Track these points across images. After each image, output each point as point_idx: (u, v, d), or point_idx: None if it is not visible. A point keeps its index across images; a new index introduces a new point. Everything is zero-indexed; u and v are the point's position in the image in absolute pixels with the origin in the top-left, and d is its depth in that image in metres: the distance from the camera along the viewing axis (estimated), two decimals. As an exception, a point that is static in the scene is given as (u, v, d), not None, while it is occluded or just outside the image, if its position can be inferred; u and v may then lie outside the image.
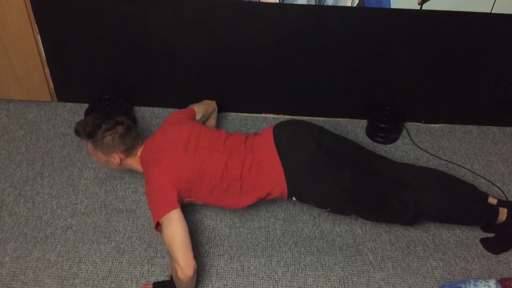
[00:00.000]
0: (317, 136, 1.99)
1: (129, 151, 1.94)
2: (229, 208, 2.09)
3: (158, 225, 1.81)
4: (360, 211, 1.99)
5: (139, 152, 1.97)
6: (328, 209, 1.98)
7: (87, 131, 1.89)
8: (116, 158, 1.93)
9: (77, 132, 1.93)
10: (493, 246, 2.05)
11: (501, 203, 2.06)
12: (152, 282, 1.89)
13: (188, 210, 2.18)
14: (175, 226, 1.74)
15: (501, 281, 1.54)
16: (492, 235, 2.08)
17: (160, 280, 1.90)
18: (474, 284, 1.57)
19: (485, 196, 2.06)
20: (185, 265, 1.68)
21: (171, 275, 1.84)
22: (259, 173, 1.90)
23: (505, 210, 1.99)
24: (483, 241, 2.07)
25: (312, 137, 1.96)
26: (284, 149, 1.91)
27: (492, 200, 2.06)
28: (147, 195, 1.87)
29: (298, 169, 1.89)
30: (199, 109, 2.26)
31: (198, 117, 2.22)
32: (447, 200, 1.95)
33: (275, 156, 1.89)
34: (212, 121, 2.43)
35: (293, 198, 1.96)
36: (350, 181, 1.89)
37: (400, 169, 2.05)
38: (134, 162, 1.99)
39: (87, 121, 1.93)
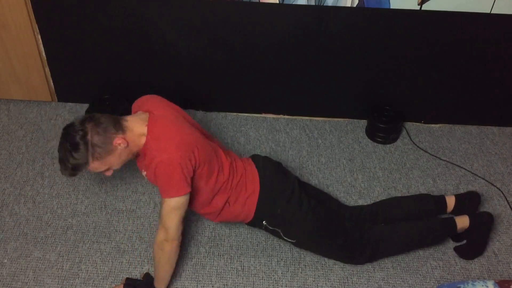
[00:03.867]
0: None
1: (118, 126, 1.68)
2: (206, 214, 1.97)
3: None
4: (322, 250, 2.00)
5: (132, 125, 1.72)
6: (294, 241, 1.96)
7: (70, 166, 1.66)
8: (120, 141, 1.66)
9: (70, 174, 1.70)
10: (467, 252, 2.03)
11: (459, 205, 2.08)
12: (124, 278, 1.89)
13: (188, 210, 2.18)
14: (181, 210, 1.72)
15: (500, 283, 1.54)
16: (463, 242, 2.06)
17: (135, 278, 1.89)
18: (472, 284, 1.56)
19: (441, 200, 2.09)
20: (175, 237, 1.71)
21: (144, 274, 1.88)
22: (243, 188, 1.89)
23: (466, 217, 2.00)
24: (457, 249, 2.05)
25: (293, 174, 2.04)
26: (265, 171, 1.93)
27: (450, 200, 2.09)
28: (160, 166, 1.64)
29: (276, 192, 1.90)
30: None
31: None
32: (404, 232, 1.99)
33: (255, 173, 1.92)
34: None
35: (264, 222, 1.92)
36: (322, 219, 1.92)
37: (362, 214, 2.08)
38: (134, 138, 1.71)
39: (61, 160, 1.68)
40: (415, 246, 2.05)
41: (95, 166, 1.69)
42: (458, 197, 2.12)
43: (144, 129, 1.73)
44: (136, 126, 1.73)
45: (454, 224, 1.98)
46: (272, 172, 1.96)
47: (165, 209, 1.70)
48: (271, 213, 1.90)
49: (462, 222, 1.99)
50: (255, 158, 2.03)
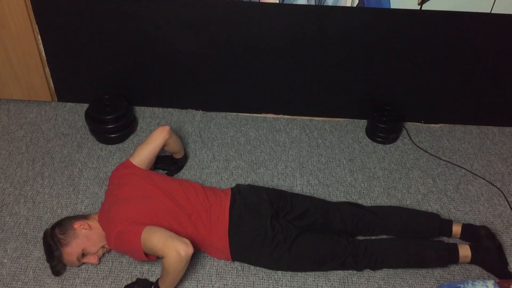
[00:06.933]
0: (274, 204, 1.97)
1: (78, 217, 1.92)
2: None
3: (146, 255, 1.78)
4: (313, 270, 1.98)
5: (87, 216, 1.94)
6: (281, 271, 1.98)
7: (54, 261, 1.86)
8: (79, 223, 1.86)
9: (61, 270, 1.90)
10: (500, 270, 1.95)
11: (465, 231, 2.02)
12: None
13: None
14: (153, 231, 1.73)
15: (500, 283, 1.54)
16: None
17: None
18: (472, 284, 1.56)
19: (448, 224, 2.03)
20: (184, 243, 1.67)
21: (137, 279, 1.88)
22: (214, 238, 1.90)
23: (468, 247, 1.95)
24: (498, 275, 1.95)
25: (269, 207, 1.94)
26: (235, 221, 1.89)
27: (456, 228, 2.03)
28: (118, 243, 1.81)
29: (246, 242, 1.89)
30: (143, 153, 2.06)
31: (144, 165, 2.05)
32: (404, 251, 1.94)
33: (225, 227, 1.88)
34: (173, 146, 2.22)
35: (246, 262, 1.97)
36: (303, 253, 1.90)
37: (361, 219, 2.02)
38: (95, 223, 1.91)
39: (50, 261, 1.88)
40: (414, 266, 1.99)
41: (68, 251, 1.85)
42: (465, 227, 2.04)
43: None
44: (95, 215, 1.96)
45: (456, 250, 1.94)
46: (244, 217, 1.90)
47: (152, 249, 1.72)
48: (247, 259, 1.95)
49: (465, 250, 1.94)
50: (233, 196, 1.97)
